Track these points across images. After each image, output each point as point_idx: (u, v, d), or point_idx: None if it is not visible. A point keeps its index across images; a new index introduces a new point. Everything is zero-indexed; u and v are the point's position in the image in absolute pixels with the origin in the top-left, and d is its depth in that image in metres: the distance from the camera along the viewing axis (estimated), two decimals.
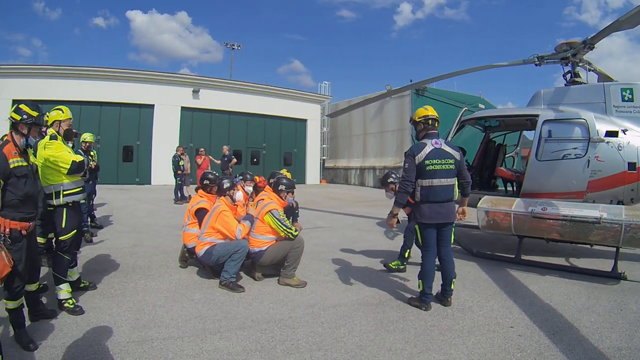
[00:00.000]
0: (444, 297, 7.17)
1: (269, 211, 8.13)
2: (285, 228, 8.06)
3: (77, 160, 6.57)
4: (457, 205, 7.32)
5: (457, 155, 7.03)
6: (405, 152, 7.31)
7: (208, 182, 9.22)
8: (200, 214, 8.73)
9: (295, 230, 8.20)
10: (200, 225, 8.59)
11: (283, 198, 8.68)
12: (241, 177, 9.96)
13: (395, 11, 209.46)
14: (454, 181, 7.09)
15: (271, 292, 7.67)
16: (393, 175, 9.67)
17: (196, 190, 9.62)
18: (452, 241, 7.34)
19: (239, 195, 8.69)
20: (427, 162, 6.85)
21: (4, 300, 5.32)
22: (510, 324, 6.29)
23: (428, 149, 6.90)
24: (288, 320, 6.32)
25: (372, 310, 6.82)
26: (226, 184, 8.54)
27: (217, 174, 9.59)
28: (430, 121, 7.20)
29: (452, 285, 7.14)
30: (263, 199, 8.63)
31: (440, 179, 6.88)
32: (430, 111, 7.29)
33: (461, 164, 7.13)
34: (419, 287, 7.11)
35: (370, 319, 6.41)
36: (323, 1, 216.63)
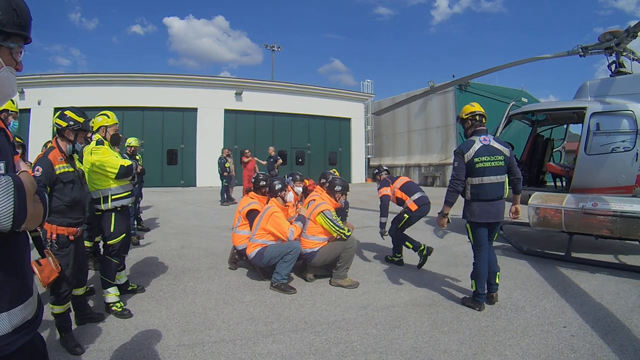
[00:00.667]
0: (489, 292, 7.07)
1: (321, 212, 8.05)
2: (337, 228, 7.96)
3: (126, 165, 6.53)
4: (506, 204, 7.17)
5: (506, 151, 6.94)
6: (455, 151, 7.16)
7: (265, 183, 9.02)
8: (251, 215, 8.63)
9: (348, 231, 8.08)
10: (251, 226, 8.49)
11: (337, 199, 8.59)
12: (291, 178, 9.89)
13: (432, 6, 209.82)
14: (504, 178, 6.96)
15: (323, 293, 7.63)
16: (380, 168, 9.81)
17: (247, 192, 9.49)
18: (495, 238, 7.27)
19: (290, 196, 8.62)
20: (476, 159, 6.76)
21: (51, 305, 5.28)
22: (563, 324, 6.16)
23: (477, 146, 6.82)
24: (342, 322, 6.26)
25: (425, 311, 6.74)
26: (277, 185, 8.44)
27: (269, 176, 9.54)
28: (477, 117, 7.11)
29: (497, 279, 7.08)
30: (314, 200, 8.57)
31: (490, 177, 6.78)
32: (476, 107, 7.19)
33: (511, 160, 7.02)
34: (472, 287, 6.96)
35: (425, 320, 6.33)
36: None
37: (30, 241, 2.70)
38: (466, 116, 7.21)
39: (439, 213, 7.21)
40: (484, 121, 7.17)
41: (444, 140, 36.04)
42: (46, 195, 2.54)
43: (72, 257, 5.41)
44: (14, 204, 2.07)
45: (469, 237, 7.17)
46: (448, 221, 7.19)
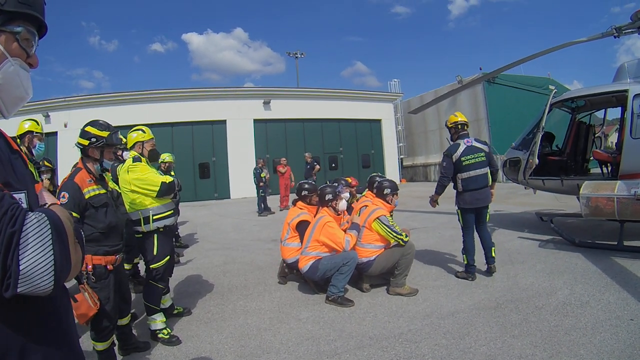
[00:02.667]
0: (488, 265, 8.63)
1: (377, 218, 7.81)
2: (395, 234, 7.70)
3: (167, 181, 6.22)
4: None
5: (486, 148, 8.80)
6: (444, 153, 8.85)
7: (307, 192, 8.85)
8: (301, 226, 8.37)
9: (406, 236, 7.82)
10: (301, 238, 8.25)
11: (389, 202, 8.40)
12: (341, 185, 9.47)
13: (449, 0, 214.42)
14: (487, 170, 8.65)
15: (382, 303, 7.32)
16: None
17: (294, 202, 9.17)
18: (487, 219, 8.81)
19: (342, 204, 8.33)
20: (462, 158, 8.54)
21: (92, 342, 4.98)
22: (630, 317, 5.99)
23: (462, 148, 8.61)
24: (408, 334, 5.96)
25: (491, 314, 6.50)
26: (329, 195, 8.17)
27: (314, 184, 9.32)
28: (459, 126, 8.93)
29: (493, 252, 8.58)
30: (367, 206, 8.27)
31: (475, 170, 8.51)
32: (459, 117, 9.02)
33: (490, 155, 8.81)
34: (464, 260, 8.60)
35: (493, 325, 6.08)
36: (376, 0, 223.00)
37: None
38: (451, 125, 9.02)
39: (430, 196, 9.30)
40: (466, 128, 8.96)
41: (476, 134, 34.39)
42: (82, 232, 1.97)
43: (112, 290, 5.02)
44: (53, 254, 1.53)
45: (459, 220, 8.85)
46: (437, 204, 9.32)
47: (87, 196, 4.87)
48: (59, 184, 5.16)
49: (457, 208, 8.87)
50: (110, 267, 4.99)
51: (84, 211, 4.85)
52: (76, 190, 4.81)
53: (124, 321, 5.58)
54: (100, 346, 4.96)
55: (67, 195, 4.73)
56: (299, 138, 36.18)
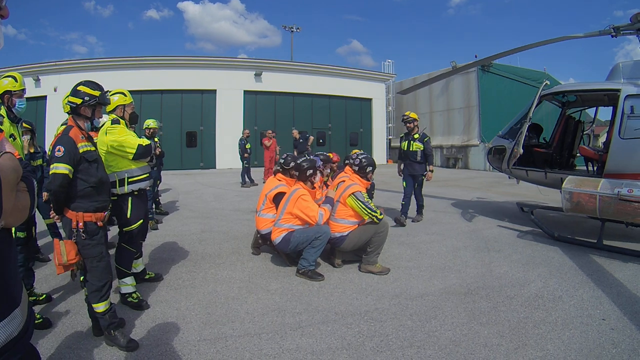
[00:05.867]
0: (419, 214, 12.45)
1: (352, 193, 7.75)
2: (370, 211, 7.66)
3: (144, 144, 6.19)
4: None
5: None
6: (428, 138, 12.51)
7: (294, 164, 8.65)
8: (278, 198, 8.30)
9: (381, 214, 7.77)
10: (277, 210, 8.18)
11: (369, 179, 8.44)
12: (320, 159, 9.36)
13: None
14: None
15: (353, 280, 7.37)
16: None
17: (275, 174, 9.15)
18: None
19: (316, 178, 8.24)
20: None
21: (94, 305, 4.91)
22: (601, 316, 5.92)
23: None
24: (374, 312, 5.98)
25: (461, 300, 6.50)
26: (309, 170, 8.00)
27: (297, 157, 9.17)
28: (417, 122, 12.50)
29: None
30: (344, 181, 8.22)
31: None
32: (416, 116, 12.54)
33: None
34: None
35: (461, 310, 6.08)
36: None
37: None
38: (417, 120, 12.42)
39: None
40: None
41: (466, 121, 35.37)
42: (35, 183, 2.10)
43: (104, 246, 5.03)
44: None
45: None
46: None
47: (81, 150, 4.88)
48: (52, 141, 5.07)
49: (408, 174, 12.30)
50: (100, 223, 5.00)
51: (78, 165, 4.84)
52: (72, 145, 4.83)
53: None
54: (102, 307, 4.94)
55: (62, 149, 4.76)
56: (289, 112, 36.30)
